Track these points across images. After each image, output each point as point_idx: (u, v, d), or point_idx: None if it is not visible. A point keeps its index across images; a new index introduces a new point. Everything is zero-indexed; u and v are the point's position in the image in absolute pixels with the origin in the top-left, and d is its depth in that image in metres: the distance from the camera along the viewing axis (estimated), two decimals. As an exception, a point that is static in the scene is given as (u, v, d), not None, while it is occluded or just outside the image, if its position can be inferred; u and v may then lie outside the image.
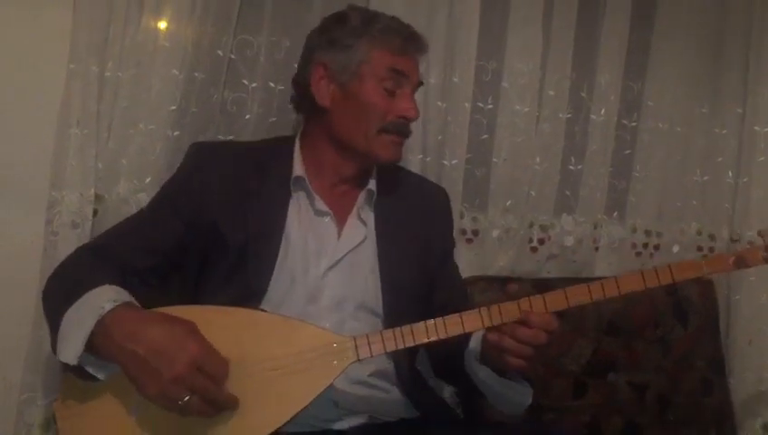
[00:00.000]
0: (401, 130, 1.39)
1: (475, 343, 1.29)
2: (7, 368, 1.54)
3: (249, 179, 1.38)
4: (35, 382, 1.53)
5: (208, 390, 1.08)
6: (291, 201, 1.38)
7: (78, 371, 1.14)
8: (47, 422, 1.53)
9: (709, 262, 1.24)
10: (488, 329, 1.18)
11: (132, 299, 1.18)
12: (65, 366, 1.14)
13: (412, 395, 1.38)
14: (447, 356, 1.36)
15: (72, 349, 1.11)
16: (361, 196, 1.42)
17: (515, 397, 1.29)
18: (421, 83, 1.44)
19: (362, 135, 1.37)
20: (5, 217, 1.54)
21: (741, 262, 1.24)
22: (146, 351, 1.07)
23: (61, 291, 1.21)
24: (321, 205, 1.39)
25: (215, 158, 1.41)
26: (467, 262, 1.88)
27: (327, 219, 1.40)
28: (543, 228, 1.99)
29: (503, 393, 1.28)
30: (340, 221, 1.40)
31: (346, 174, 1.43)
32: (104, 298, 1.14)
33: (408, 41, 1.39)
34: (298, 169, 1.40)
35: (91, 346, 1.11)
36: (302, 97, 1.44)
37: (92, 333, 1.10)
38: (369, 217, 1.43)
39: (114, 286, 1.19)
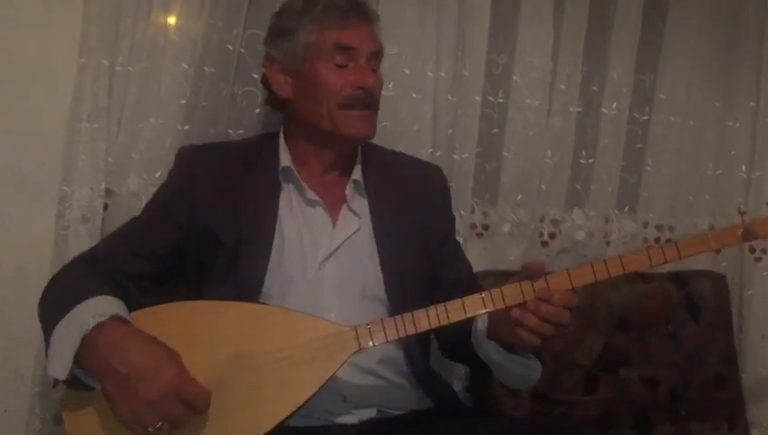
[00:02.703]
0: (364, 102, 1.37)
1: (483, 321, 1.28)
2: (19, 361, 1.56)
3: (238, 177, 1.39)
4: (47, 376, 1.53)
5: (180, 419, 1.08)
6: (281, 194, 1.39)
7: (70, 383, 1.14)
8: (59, 415, 1.53)
9: (716, 235, 1.20)
10: (514, 307, 1.17)
11: (122, 311, 1.17)
12: (56, 380, 1.15)
13: (423, 385, 1.38)
14: (453, 334, 1.33)
15: (60, 365, 1.12)
16: (349, 187, 1.42)
17: (524, 372, 1.29)
18: (380, 52, 1.41)
19: (326, 116, 1.37)
20: (17, 211, 1.55)
21: (749, 234, 1.20)
22: (127, 369, 1.08)
23: (52, 304, 1.21)
24: (311, 195, 1.40)
25: (203, 160, 1.42)
26: (478, 256, 1.88)
27: (318, 209, 1.40)
28: (554, 223, 1.98)
29: (511, 369, 1.27)
30: (333, 211, 1.40)
31: (328, 161, 1.43)
32: (90, 313, 1.13)
33: (349, 13, 1.38)
34: (285, 159, 1.41)
35: (79, 360, 1.12)
36: (270, 94, 1.47)
37: (79, 348, 1.11)
38: (363, 204, 1.43)
39: (104, 297, 1.18)
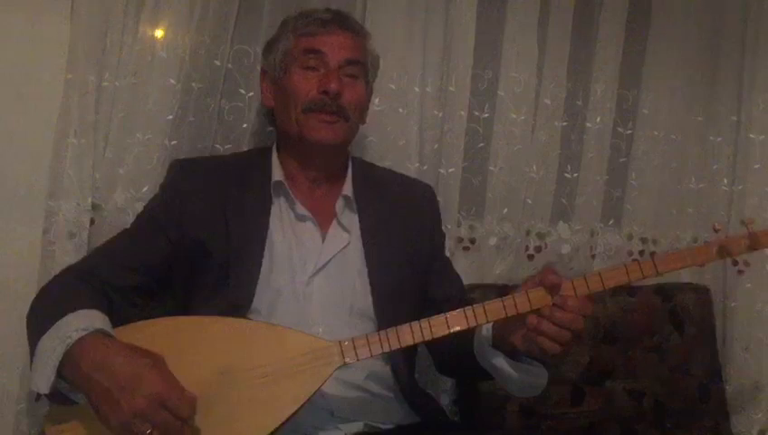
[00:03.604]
0: (328, 107, 1.37)
1: (487, 331, 1.28)
2: (4, 377, 1.54)
3: (230, 192, 1.39)
4: (32, 392, 1.52)
5: (169, 426, 1.07)
6: (273, 208, 1.39)
7: (53, 397, 1.14)
8: (44, 432, 1.53)
9: (692, 252, 1.23)
10: (527, 313, 1.17)
11: (106, 324, 1.17)
12: (38, 394, 1.14)
13: (410, 400, 1.38)
14: (453, 346, 1.33)
15: (43, 378, 1.11)
16: (339, 203, 1.42)
17: (531, 379, 1.28)
18: (357, 62, 1.41)
19: (293, 120, 1.39)
20: (3, 227, 1.54)
21: (724, 250, 1.22)
22: (110, 382, 1.07)
23: (38, 318, 1.21)
24: (301, 209, 1.40)
25: (195, 174, 1.43)
26: (464, 270, 1.86)
27: (308, 223, 1.40)
28: (540, 236, 2.00)
29: (519, 377, 1.27)
30: (323, 226, 1.41)
31: (311, 175, 1.43)
32: (73, 327, 1.13)
33: (327, 22, 1.40)
34: (277, 174, 1.42)
35: (63, 374, 1.11)
36: (265, 108, 1.51)
37: (62, 362, 1.11)
38: (353, 220, 1.43)
39: (88, 311, 1.18)
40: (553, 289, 1.17)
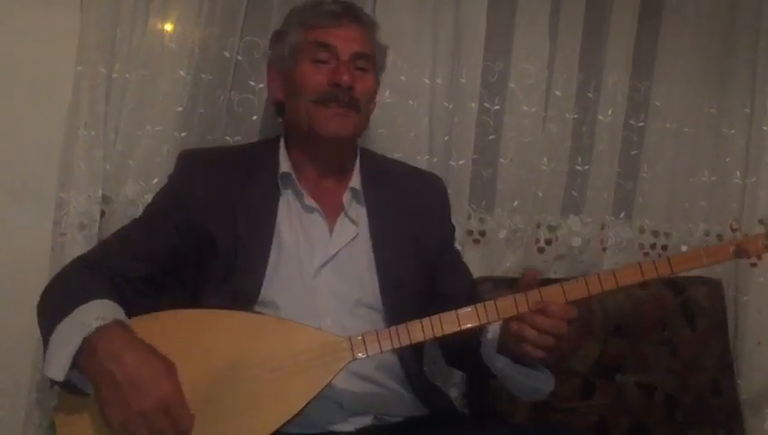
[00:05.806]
0: (339, 100, 1.36)
1: (493, 333, 1.27)
2: (16, 368, 1.56)
3: (238, 183, 1.39)
4: (43, 383, 1.53)
5: (166, 434, 1.08)
6: (280, 200, 1.39)
7: (66, 386, 1.14)
8: (54, 423, 1.54)
9: (709, 251, 1.21)
10: (509, 319, 1.17)
11: (122, 315, 1.18)
12: (52, 381, 1.14)
13: (419, 392, 1.38)
14: (460, 345, 1.33)
15: (58, 366, 1.11)
16: (346, 195, 1.42)
17: (536, 384, 1.28)
18: (366, 55, 1.41)
19: (303, 112, 1.38)
20: (14, 218, 1.56)
21: (741, 251, 1.21)
22: (123, 375, 1.08)
23: (52, 305, 1.21)
24: (309, 201, 1.40)
25: (203, 165, 1.43)
26: (474, 262, 1.87)
27: (316, 215, 1.40)
28: (551, 229, 1.99)
29: (523, 382, 1.27)
30: (331, 218, 1.40)
31: (321, 167, 1.43)
32: (92, 316, 1.14)
33: (336, 15, 1.39)
34: (284, 165, 1.41)
35: (77, 363, 1.11)
36: (272, 100, 1.50)
37: (79, 350, 1.11)
38: (361, 212, 1.42)
39: (104, 301, 1.19)
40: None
